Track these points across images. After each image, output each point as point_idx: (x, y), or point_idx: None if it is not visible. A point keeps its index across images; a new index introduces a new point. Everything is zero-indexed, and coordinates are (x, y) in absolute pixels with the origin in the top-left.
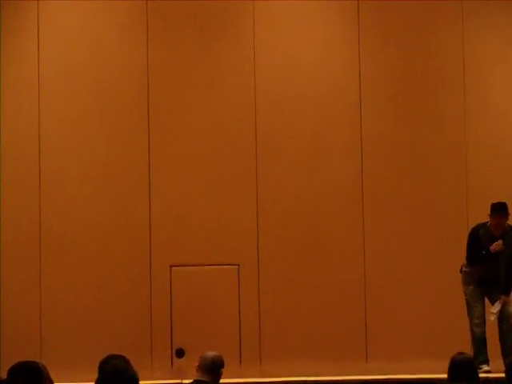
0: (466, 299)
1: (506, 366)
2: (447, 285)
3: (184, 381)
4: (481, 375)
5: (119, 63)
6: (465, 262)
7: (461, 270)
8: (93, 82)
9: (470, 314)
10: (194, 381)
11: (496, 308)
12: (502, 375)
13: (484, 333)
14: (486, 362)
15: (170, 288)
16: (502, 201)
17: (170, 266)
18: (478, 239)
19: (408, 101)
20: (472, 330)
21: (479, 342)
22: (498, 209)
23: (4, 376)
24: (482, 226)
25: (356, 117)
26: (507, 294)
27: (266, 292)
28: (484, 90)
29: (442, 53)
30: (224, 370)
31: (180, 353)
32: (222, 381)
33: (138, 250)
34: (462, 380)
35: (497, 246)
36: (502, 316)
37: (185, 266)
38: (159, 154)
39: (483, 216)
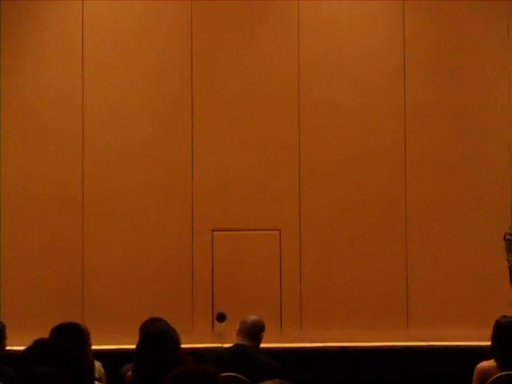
0: (508, 266)
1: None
2: (490, 251)
3: (225, 345)
4: None
5: (163, 31)
6: (508, 230)
7: (504, 238)
8: (136, 52)
9: None
10: (235, 345)
11: None
12: None
13: None
14: None
15: (211, 252)
16: None
17: (212, 231)
18: None
19: (452, 66)
20: None
21: None
22: None
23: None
24: None
25: (400, 83)
26: None
27: (307, 257)
28: None
29: (488, 18)
30: (264, 335)
31: (221, 317)
32: (262, 345)
33: (181, 214)
34: (506, 343)
35: None
36: None
37: (227, 230)
38: (202, 119)
39: None
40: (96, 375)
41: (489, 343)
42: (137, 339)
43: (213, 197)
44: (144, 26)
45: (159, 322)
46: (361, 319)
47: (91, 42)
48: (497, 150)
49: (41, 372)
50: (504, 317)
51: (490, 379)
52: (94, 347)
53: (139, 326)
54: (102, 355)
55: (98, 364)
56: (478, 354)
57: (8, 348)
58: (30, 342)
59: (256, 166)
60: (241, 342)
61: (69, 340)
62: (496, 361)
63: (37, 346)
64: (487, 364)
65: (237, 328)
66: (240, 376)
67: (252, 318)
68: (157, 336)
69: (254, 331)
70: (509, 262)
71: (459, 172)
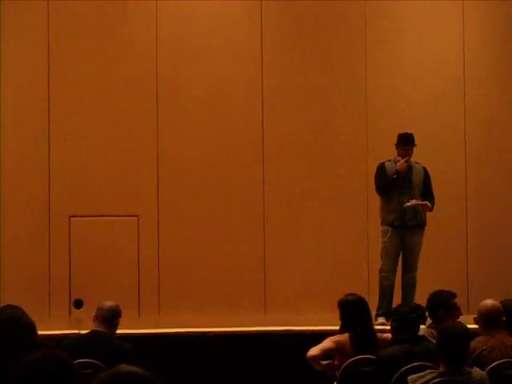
0: (382, 248)
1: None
2: (346, 236)
3: (82, 331)
4: (376, 327)
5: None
6: (380, 203)
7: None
8: None
9: (381, 265)
10: (91, 331)
11: (417, 201)
12: None
13: (392, 286)
14: (385, 315)
15: (68, 238)
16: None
17: (69, 217)
18: (384, 169)
19: (311, 51)
20: (380, 282)
21: (384, 295)
22: (406, 139)
23: None
24: (387, 160)
25: (257, 65)
26: (431, 204)
27: (165, 243)
28: (383, 29)
29: (345, 4)
30: (122, 321)
31: (78, 303)
32: (119, 331)
33: (37, 199)
34: (352, 319)
35: (402, 164)
36: (405, 268)
37: (84, 216)
38: (59, 103)
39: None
40: None
41: None
42: None
43: (70, 182)
44: None
45: (13, 309)
46: (219, 305)
47: None
48: (353, 129)
49: None
50: (351, 294)
51: (349, 360)
52: None
53: None
54: None
55: None
56: None
57: None
58: None
59: (114, 151)
60: (97, 329)
61: None
62: (351, 340)
63: None
64: (338, 337)
65: (93, 314)
66: (95, 362)
67: (108, 304)
68: (10, 321)
69: (110, 317)
70: (383, 243)
71: (316, 157)
